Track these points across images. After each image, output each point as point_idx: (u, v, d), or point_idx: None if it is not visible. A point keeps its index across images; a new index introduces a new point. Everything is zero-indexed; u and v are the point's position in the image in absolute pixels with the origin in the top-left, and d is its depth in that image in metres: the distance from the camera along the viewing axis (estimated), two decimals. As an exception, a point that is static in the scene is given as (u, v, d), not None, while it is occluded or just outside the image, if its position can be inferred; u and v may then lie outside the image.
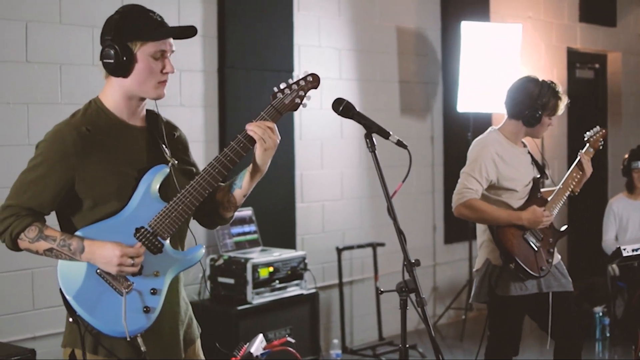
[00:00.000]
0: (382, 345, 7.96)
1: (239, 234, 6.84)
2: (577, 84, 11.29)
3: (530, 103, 5.27)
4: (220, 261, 6.55)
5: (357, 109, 3.60)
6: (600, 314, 8.28)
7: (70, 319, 3.26)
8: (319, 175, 7.92)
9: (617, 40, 11.81)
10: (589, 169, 5.46)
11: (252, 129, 3.39)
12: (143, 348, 3.25)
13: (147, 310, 3.26)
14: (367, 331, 8.27)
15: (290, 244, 7.49)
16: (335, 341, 7.47)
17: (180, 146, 3.61)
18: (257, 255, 6.65)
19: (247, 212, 6.90)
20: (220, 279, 6.53)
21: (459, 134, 8.80)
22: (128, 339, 3.22)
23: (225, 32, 7.06)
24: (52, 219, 3.38)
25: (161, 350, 3.40)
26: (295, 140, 7.56)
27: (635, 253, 6.27)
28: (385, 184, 3.50)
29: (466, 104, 8.61)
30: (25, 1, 5.89)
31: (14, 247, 3.30)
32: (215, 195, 3.56)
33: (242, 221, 6.88)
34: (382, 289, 3.73)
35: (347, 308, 8.01)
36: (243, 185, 3.52)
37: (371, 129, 3.51)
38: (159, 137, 3.50)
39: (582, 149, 5.52)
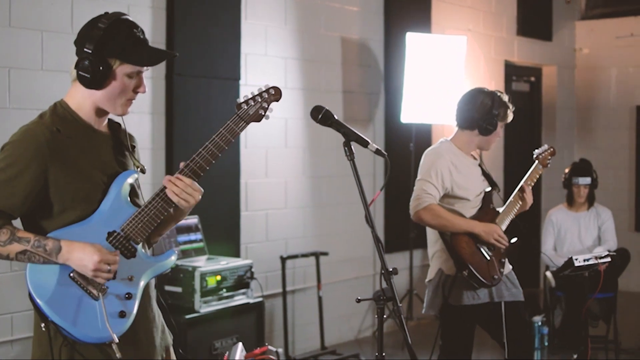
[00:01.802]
0: (324, 354, 7.95)
1: (185, 242, 6.79)
2: (513, 96, 11.14)
3: (484, 113, 5.36)
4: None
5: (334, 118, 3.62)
6: (539, 323, 8.37)
7: (42, 325, 3.19)
8: (263, 184, 7.91)
9: (552, 54, 12.00)
10: (529, 199, 5.58)
11: (171, 189, 3.36)
12: (118, 355, 3.21)
13: (122, 314, 3.25)
14: (309, 340, 8.26)
15: (235, 253, 7.46)
16: (280, 350, 7.45)
17: (139, 158, 3.61)
18: (204, 264, 6.60)
19: (193, 220, 6.85)
20: (168, 287, 6.47)
21: (401, 144, 8.86)
22: (117, 342, 3.19)
23: (173, 39, 7.01)
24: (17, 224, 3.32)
25: (137, 355, 3.38)
26: (240, 149, 7.54)
27: (586, 263, 6.36)
28: (364, 192, 3.52)
29: (410, 114, 8.66)
30: (-26, 3, 5.81)
31: None
32: None
33: (188, 229, 6.83)
34: (359, 298, 3.74)
35: (289, 317, 7.99)
36: (161, 225, 3.51)
37: (350, 137, 3.55)
38: (123, 145, 3.50)
39: (531, 167, 5.62)
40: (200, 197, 3.40)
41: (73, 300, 3.20)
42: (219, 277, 6.51)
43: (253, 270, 6.80)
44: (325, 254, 8.11)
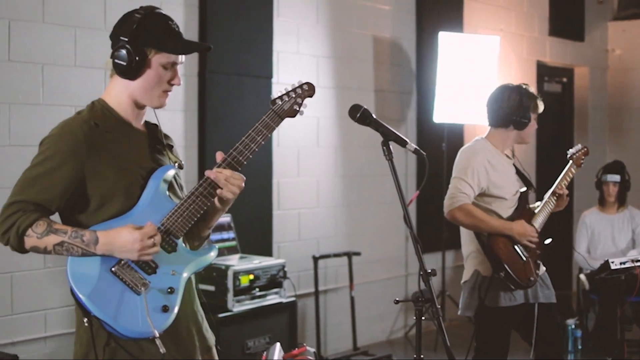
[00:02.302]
0: (356, 355, 7.91)
1: (217, 241, 6.75)
2: (545, 97, 11.15)
3: (516, 108, 5.33)
4: (200, 268, 6.44)
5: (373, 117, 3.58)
6: (573, 326, 8.28)
7: (85, 320, 3.16)
8: (295, 183, 7.87)
9: (584, 55, 11.91)
10: (564, 199, 5.56)
11: (211, 177, 3.35)
12: (162, 350, 3.17)
13: (165, 309, 3.22)
14: (341, 340, 8.22)
15: (267, 252, 7.43)
16: (313, 350, 7.41)
17: (177, 156, 3.60)
18: (237, 263, 6.57)
19: (225, 218, 6.82)
20: (201, 286, 6.40)
21: (433, 144, 8.79)
22: (157, 336, 3.15)
23: (206, 36, 6.99)
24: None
25: (179, 352, 3.35)
26: (272, 148, 7.50)
27: (623, 266, 6.28)
28: (402, 192, 3.48)
29: (442, 114, 8.60)
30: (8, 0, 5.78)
31: (19, 244, 3.17)
32: None
33: (221, 228, 6.80)
34: (397, 299, 3.68)
35: (321, 317, 7.95)
36: (208, 217, 3.50)
37: (388, 137, 3.51)
38: (160, 142, 3.50)
39: (565, 167, 5.57)
40: (243, 185, 3.37)
41: (115, 294, 3.17)
42: (251, 276, 6.47)
43: (286, 269, 6.76)
44: (357, 254, 8.06)
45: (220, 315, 6.22)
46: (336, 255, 7.97)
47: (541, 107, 5.44)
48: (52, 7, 5.99)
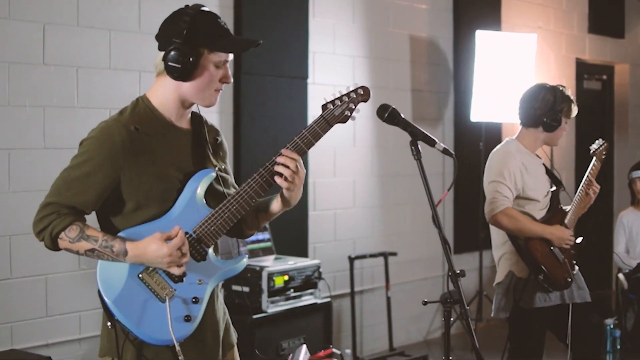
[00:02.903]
0: (393, 356, 7.89)
1: (252, 242, 6.75)
2: (584, 95, 11.25)
3: (548, 109, 5.26)
4: (237, 270, 6.45)
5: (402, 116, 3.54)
6: (611, 326, 8.20)
7: (109, 324, 3.18)
8: (331, 183, 7.86)
9: (624, 52, 11.79)
10: (594, 196, 5.49)
11: (282, 165, 3.31)
12: (181, 357, 3.18)
13: (188, 319, 3.21)
14: (377, 341, 8.20)
15: (303, 253, 7.42)
16: (348, 351, 7.40)
17: (221, 152, 3.57)
18: (271, 264, 6.56)
19: (261, 219, 6.81)
20: (235, 287, 6.44)
21: (471, 143, 8.76)
22: (176, 346, 3.16)
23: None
24: (91, 219, 3.31)
25: (202, 354, 3.35)
26: (308, 148, 7.48)
27: (657, 266, 6.23)
28: (431, 193, 3.45)
29: (479, 113, 8.56)
30: (43, 3, 5.81)
31: (54, 246, 3.21)
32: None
33: (256, 229, 6.80)
34: (426, 300, 3.66)
35: (357, 317, 7.94)
36: (270, 210, 3.47)
37: (417, 136, 3.47)
38: (204, 140, 3.46)
39: (590, 163, 5.52)
40: (303, 177, 3.36)
41: (140, 301, 3.18)
42: (286, 277, 6.47)
43: (321, 270, 6.75)
44: (393, 254, 8.04)
45: (255, 316, 6.22)
46: (372, 255, 7.95)
47: (575, 111, 5.35)
48: (86, 10, 6.01)
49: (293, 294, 6.54)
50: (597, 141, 5.65)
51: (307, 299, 6.65)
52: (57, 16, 5.87)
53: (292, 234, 7.37)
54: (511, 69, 8.58)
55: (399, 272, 8.29)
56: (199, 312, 3.24)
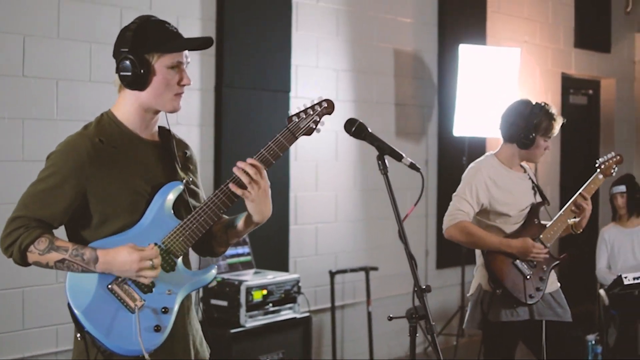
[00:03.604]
0: (373, 371, 7.87)
1: (232, 256, 6.74)
2: (570, 109, 11.26)
3: (523, 125, 5.23)
4: (214, 283, 6.43)
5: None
6: (593, 342, 8.20)
7: (78, 335, 3.19)
8: (313, 197, 7.84)
9: (611, 67, 11.81)
10: (588, 208, 5.35)
11: (238, 174, 3.31)
12: None
13: (157, 329, 3.21)
14: (358, 356, 8.18)
15: (283, 267, 7.40)
16: (328, 364, 7.39)
17: (191, 166, 3.57)
18: (250, 278, 6.55)
19: (241, 233, 6.79)
20: (213, 301, 6.42)
21: (454, 158, 8.76)
22: (146, 357, 3.15)
23: (223, 50, 6.98)
24: (60, 233, 3.30)
25: None
26: (290, 162, 7.49)
27: (636, 281, 6.20)
28: (397, 207, 3.45)
29: (462, 128, 8.56)
30: (23, 15, 5.80)
31: (22, 260, 3.21)
32: (213, 227, 3.48)
33: (236, 243, 6.75)
34: (391, 315, 3.66)
35: (338, 332, 7.92)
36: (238, 227, 3.47)
37: (384, 150, 3.48)
38: (171, 153, 3.46)
39: (592, 176, 5.46)
40: (265, 188, 3.34)
41: (109, 311, 3.18)
42: (265, 292, 6.46)
43: (300, 284, 6.74)
44: (375, 268, 8.02)
45: (233, 330, 6.21)
46: (353, 270, 7.93)
47: (555, 130, 5.28)
48: (67, 23, 6.00)
49: (272, 309, 6.52)
50: (607, 154, 5.59)
51: (285, 314, 6.64)
52: (37, 28, 5.87)
53: (272, 248, 7.35)
54: (495, 83, 8.59)
55: (381, 286, 8.27)
56: (169, 322, 3.24)
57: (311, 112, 3.45)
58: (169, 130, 3.51)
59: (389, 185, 3.45)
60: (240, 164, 3.31)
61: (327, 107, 3.50)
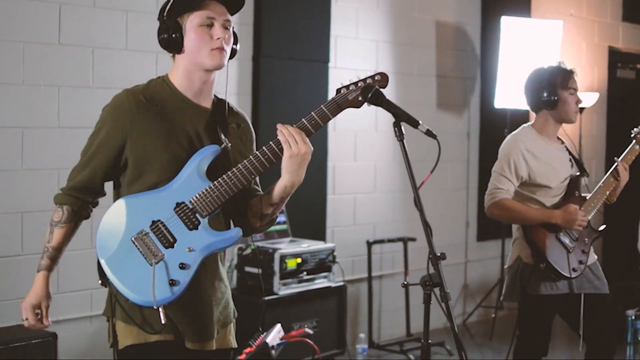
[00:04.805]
0: (410, 342, 7.85)
1: (268, 224, 6.78)
2: (618, 84, 11.13)
3: (541, 87, 5.21)
4: (248, 251, 6.48)
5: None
6: (633, 317, 8.12)
7: (99, 282, 3.37)
8: (351, 168, 7.85)
9: (660, 41, 11.64)
10: (624, 177, 5.32)
11: (281, 129, 3.35)
12: (163, 320, 3.26)
13: (172, 283, 3.28)
14: (395, 327, 8.19)
15: (320, 236, 7.43)
16: (362, 335, 7.40)
17: (242, 138, 3.62)
18: (285, 246, 6.60)
19: (277, 202, 6.83)
20: (247, 269, 6.47)
21: (496, 130, 8.70)
22: (155, 307, 3.25)
23: (261, 20, 7.00)
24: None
25: (192, 327, 3.44)
26: (328, 132, 7.49)
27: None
28: (413, 174, 3.42)
29: (504, 100, 8.51)
30: (60, -17, 5.87)
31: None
32: (250, 200, 3.54)
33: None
34: (406, 282, 3.65)
35: (375, 302, 7.94)
36: (271, 192, 3.46)
37: (400, 117, 3.40)
38: (218, 121, 3.51)
39: (620, 156, 5.40)
40: (306, 151, 3.34)
41: (130, 262, 3.29)
42: (299, 260, 6.50)
43: (335, 254, 6.76)
44: (413, 239, 8.00)
45: (266, 298, 6.26)
46: (390, 240, 7.93)
47: (573, 81, 5.22)
48: (103, -9, 6.07)
49: (306, 277, 6.57)
50: None
51: (320, 282, 6.68)
52: (74, -4, 5.93)
53: (310, 218, 7.38)
54: (537, 55, 8.50)
55: (419, 258, 8.24)
56: (185, 278, 3.30)
57: (362, 85, 3.41)
58: (224, 101, 3.58)
59: (405, 152, 3.42)
60: (281, 125, 3.36)
61: (381, 80, 3.46)
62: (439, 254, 3.37)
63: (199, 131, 3.44)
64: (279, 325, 3.31)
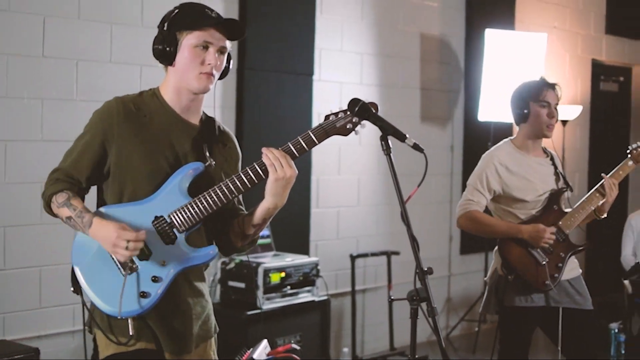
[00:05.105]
0: (393, 356, 7.84)
1: (252, 238, 6.75)
2: (600, 96, 11.17)
3: (516, 101, 5.26)
4: (232, 265, 6.45)
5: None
6: (616, 330, 8.13)
7: (72, 289, 3.36)
8: (335, 181, 7.83)
9: (643, 54, 11.68)
10: (613, 193, 5.29)
11: (266, 153, 3.34)
12: (131, 332, 3.29)
13: (143, 295, 3.30)
14: (378, 341, 8.17)
15: (304, 250, 7.40)
16: (346, 350, 7.38)
17: (227, 157, 3.61)
18: (269, 260, 6.57)
19: (261, 215, 6.80)
20: (231, 283, 6.44)
21: (479, 143, 8.68)
22: (119, 317, 3.27)
23: (246, 32, 6.95)
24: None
25: (171, 339, 3.43)
26: (312, 145, 7.46)
27: (657, 268, 6.12)
28: (400, 189, 3.43)
29: (487, 112, 8.52)
30: (44, -5, 5.83)
31: (48, 208, 3.41)
32: (232, 221, 3.55)
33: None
34: (392, 297, 3.64)
35: (359, 316, 7.91)
36: (253, 213, 3.47)
37: (387, 131, 3.41)
38: (205, 139, 3.52)
39: (609, 173, 5.38)
40: (291, 175, 3.35)
41: (103, 271, 3.31)
42: (283, 274, 6.47)
43: (319, 267, 6.74)
44: (396, 253, 7.99)
45: (249, 312, 6.23)
46: (374, 254, 7.91)
47: (548, 95, 5.19)
48: (88, 3, 6.02)
49: (290, 291, 6.54)
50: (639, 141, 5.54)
51: (304, 297, 6.65)
52: (58, 9, 5.89)
53: (293, 231, 7.35)
54: (521, 68, 8.52)
55: (402, 271, 8.25)
56: (157, 291, 3.31)
57: (350, 113, 3.44)
58: (214, 120, 3.61)
59: (392, 166, 3.42)
60: (266, 149, 3.34)
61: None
62: (426, 269, 3.36)
63: (185, 147, 3.45)
64: (265, 341, 3.31)
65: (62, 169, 3.39)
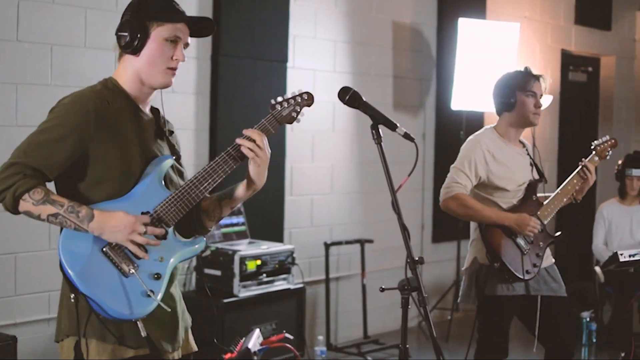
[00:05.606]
0: (367, 344, 7.86)
1: (226, 225, 6.72)
2: (569, 86, 11.22)
3: (501, 90, 5.29)
4: (207, 252, 6.42)
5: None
6: (588, 319, 8.20)
7: (72, 296, 3.15)
8: (309, 169, 7.81)
9: (611, 44, 11.74)
10: (592, 177, 5.36)
11: (242, 142, 3.35)
12: (143, 333, 3.20)
13: (149, 293, 3.22)
14: (352, 328, 8.17)
15: (278, 238, 7.37)
16: (320, 338, 7.36)
17: (175, 145, 3.60)
18: (244, 248, 6.54)
19: (235, 203, 6.77)
20: (207, 271, 6.41)
21: (451, 131, 8.72)
22: (138, 320, 3.18)
23: (220, 19, 6.93)
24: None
25: (165, 337, 3.38)
26: (286, 133, 7.44)
27: (632, 259, 6.16)
28: (391, 178, 3.41)
29: (460, 101, 8.51)
30: (17, -21, 5.76)
31: (14, 207, 3.14)
32: (202, 203, 3.51)
33: (231, 212, 6.74)
34: (383, 287, 3.60)
35: (332, 304, 7.89)
36: (235, 195, 3.49)
37: (378, 120, 3.43)
38: (162, 131, 3.51)
39: (587, 158, 5.40)
40: (269, 155, 3.39)
41: (103, 275, 3.17)
42: (259, 262, 6.45)
43: (295, 255, 6.71)
44: (370, 241, 8.00)
45: (226, 300, 6.20)
46: (348, 242, 7.90)
47: (534, 84, 5.22)
48: (62, -13, 5.96)
49: (265, 279, 6.52)
50: (603, 137, 5.57)
51: (279, 284, 6.64)
52: (32, -7, 5.82)
53: (267, 219, 7.32)
54: (493, 57, 8.53)
55: (376, 259, 8.25)
56: (161, 288, 3.26)
57: (292, 102, 3.52)
58: (158, 110, 3.55)
59: (383, 155, 3.43)
60: (247, 131, 3.35)
61: (307, 99, 3.58)
62: (417, 258, 3.34)
63: (149, 140, 3.41)
64: (257, 331, 3.28)
65: (24, 164, 3.12)
